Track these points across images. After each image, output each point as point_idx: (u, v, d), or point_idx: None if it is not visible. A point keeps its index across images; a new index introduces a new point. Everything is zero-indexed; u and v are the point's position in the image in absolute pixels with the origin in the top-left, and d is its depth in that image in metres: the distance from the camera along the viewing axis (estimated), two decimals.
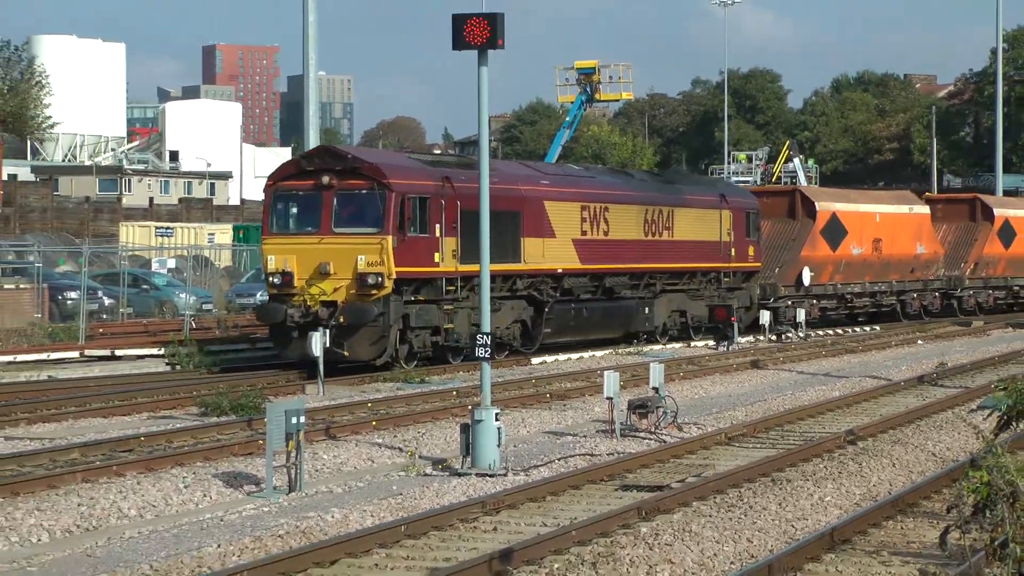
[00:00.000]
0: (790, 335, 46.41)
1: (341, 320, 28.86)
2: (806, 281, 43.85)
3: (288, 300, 29.76)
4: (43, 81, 72.40)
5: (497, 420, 20.19)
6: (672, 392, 26.17)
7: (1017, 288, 55.51)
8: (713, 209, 41.42)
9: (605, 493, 19.11)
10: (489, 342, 21.05)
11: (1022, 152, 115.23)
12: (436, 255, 30.07)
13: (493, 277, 27.80)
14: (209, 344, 37.04)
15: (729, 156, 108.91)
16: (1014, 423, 15.06)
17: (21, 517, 16.50)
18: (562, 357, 38.89)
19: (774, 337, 44.36)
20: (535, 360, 37.41)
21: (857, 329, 50.36)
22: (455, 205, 30.29)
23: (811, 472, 20.49)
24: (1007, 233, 52.42)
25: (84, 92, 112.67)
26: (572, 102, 74.91)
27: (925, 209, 52.11)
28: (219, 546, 14.98)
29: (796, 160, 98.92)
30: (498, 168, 35.39)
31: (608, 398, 23.76)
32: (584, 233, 36.08)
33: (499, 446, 20.16)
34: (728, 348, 41.48)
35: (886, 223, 49.04)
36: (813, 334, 47.64)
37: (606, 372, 25.21)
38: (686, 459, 22.44)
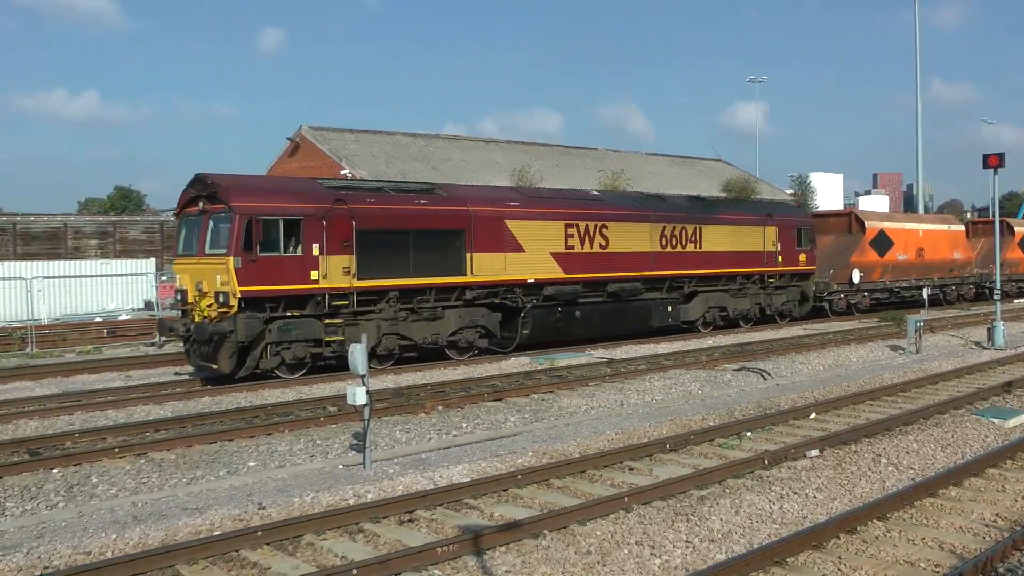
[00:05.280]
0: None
1: (195, 337, 22.16)
2: (856, 280, 39.57)
3: (187, 315, 22.97)
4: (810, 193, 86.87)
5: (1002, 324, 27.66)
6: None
7: None
8: (755, 225, 34.10)
9: None
10: (998, 290, 28.62)
11: None
12: (313, 273, 22.38)
13: (427, 288, 24.54)
14: None
15: None
16: None
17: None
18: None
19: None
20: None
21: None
22: (348, 225, 22.80)
23: None
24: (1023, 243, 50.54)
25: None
26: None
27: (960, 227, 49.24)
28: (883, 373, 21.69)
29: None
30: (447, 191, 26.79)
31: None
32: (571, 248, 27.89)
33: (1003, 337, 27.49)
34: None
35: (928, 237, 45.20)
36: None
37: None
38: None
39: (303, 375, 22.39)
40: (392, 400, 18.35)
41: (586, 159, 66.29)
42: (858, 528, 9.92)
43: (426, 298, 24.50)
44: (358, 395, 12.62)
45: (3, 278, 37.74)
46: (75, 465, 13.86)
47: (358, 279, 22.93)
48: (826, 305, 38.87)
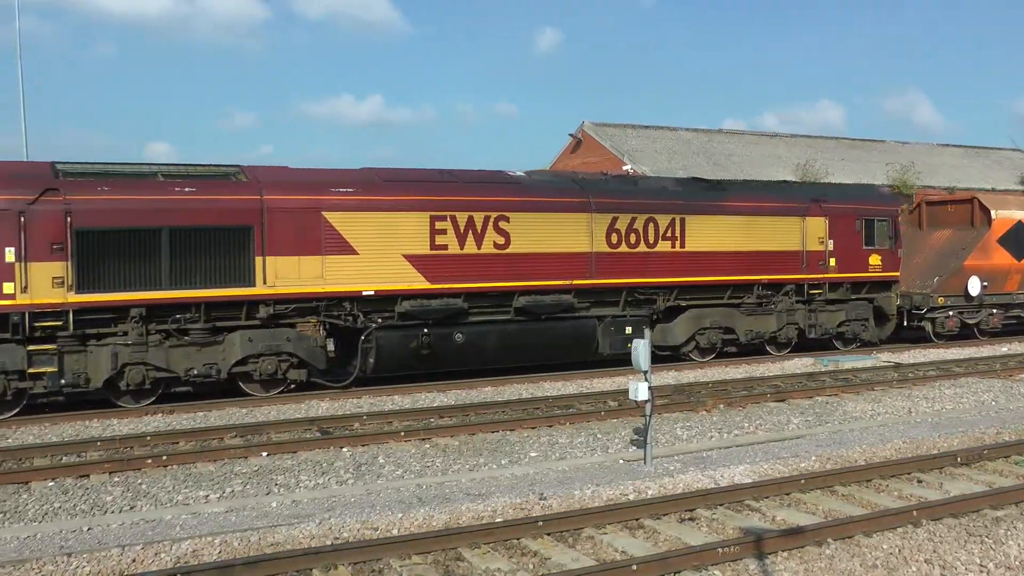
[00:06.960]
0: None
1: None
2: (974, 291, 28.60)
3: None
4: None
5: None
6: None
7: None
8: (786, 215, 24.94)
9: None
10: None
11: None
12: (7, 285, 17.11)
13: (193, 304, 18.48)
14: None
15: None
16: None
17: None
18: None
19: None
20: None
21: None
22: (62, 222, 17.31)
23: None
24: None
25: None
26: None
27: None
28: None
29: None
30: (249, 175, 19.68)
31: None
32: (441, 248, 20.46)
33: None
34: None
35: None
36: None
37: None
38: None
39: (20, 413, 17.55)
40: (673, 397, 18.36)
41: (873, 152, 63.83)
42: None
43: (193, 316, 18.66)
44: (640, 390, 12.65)
45: None
46: (363, 446, 14.57)
47: (77, 293, 17.54)
48: (927, 326, 28.72)
